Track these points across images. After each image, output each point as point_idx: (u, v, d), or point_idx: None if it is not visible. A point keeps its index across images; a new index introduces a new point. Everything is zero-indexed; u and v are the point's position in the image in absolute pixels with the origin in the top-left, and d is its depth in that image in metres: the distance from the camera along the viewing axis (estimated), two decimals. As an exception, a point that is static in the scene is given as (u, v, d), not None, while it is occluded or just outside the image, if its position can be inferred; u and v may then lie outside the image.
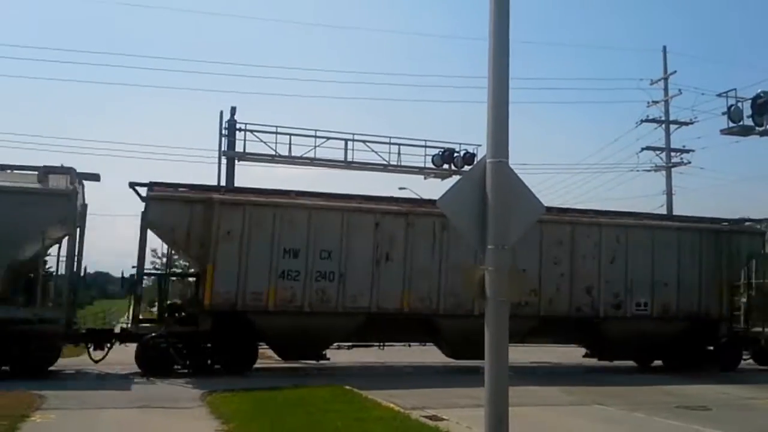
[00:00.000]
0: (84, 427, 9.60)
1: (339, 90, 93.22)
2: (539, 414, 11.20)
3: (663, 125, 33.03)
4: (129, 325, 16.27)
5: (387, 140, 27.68)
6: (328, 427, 9.02)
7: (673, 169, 33.08)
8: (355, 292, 16.27)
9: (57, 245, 15.47)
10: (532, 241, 17.12)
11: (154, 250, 33.24)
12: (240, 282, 15.57)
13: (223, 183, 24.52)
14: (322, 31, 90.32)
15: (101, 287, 47.69)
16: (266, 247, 15.79)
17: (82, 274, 15.69)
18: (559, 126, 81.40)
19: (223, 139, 25.72)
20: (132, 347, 15.85)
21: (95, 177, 16.28)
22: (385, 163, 27.69)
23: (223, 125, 25.72)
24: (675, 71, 33.35)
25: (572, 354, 20.84)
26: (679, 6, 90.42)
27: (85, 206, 16.33)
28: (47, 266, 16.26)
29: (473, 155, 27.24)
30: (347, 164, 27.35)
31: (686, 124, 32.68)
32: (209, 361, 15.90)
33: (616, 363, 19.56)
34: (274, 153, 26.24)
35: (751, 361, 20.49)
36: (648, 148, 33.02)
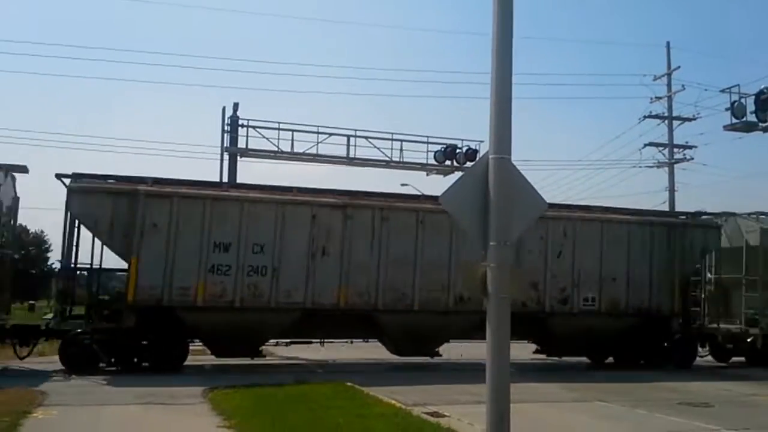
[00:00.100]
0: (86, 423, 9.61)
1: (341, 86, 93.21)
2: (540, 410, 11.20)
3: (666, 121, 33.00)
4: (51, 322, 15.37)
5: (389, 136, 27.71)
6: (330, 424, 9.01)
7: (675, 166, 33.06)
8: (289, 287, 15.78)
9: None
10: None
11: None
12: (166, 277, 15.02)
13: (225, 179, 24.56)
14: (323, 26, 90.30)
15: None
16: (195, 240, 15.26)
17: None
18: (560, 122, 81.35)
19: (225, 135, 25.76)
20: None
21: (23, 169, 16.03)
22: (387, 159, 27.69)
23: (226, 121, 25.74)
24: (678, 67, 33.36)
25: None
26: (681, 1, 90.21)
27: (16, 199, 16.06)
28: None
29: (475, 151, 27.22)
30: (349, 160, 27.35)
31: (689, 120, 32.63)
32: (136, 359, 15.37)
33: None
34: (276, 149, 26.24)
35: (709, 357, 20.34)
36: (651, 144, 33.02)
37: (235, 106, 25.81)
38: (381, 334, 17.46)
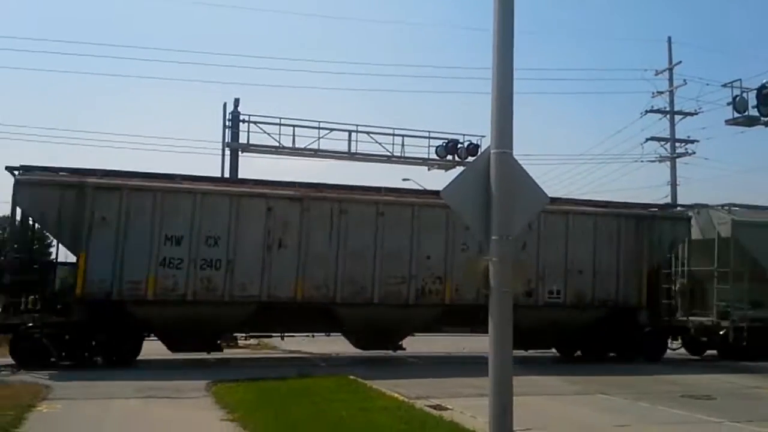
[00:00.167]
0: (90, 416, 9.65)
1: (341, 81, 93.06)
2: (543, 403, 11.23)
3: (668, 116, 32.97)
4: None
5: (390, 131, 27.66)
6: (333, 417, 9.05)
7: (677, 160, 33.05)
8: (244, 281, 15.51)
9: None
10: (438, 226, 16.74)
11: None
12: (116, 270, 14.73)
13: (227, 174, 24.60)
14: (323, 22, 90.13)
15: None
16: (146, 233, 14.97)
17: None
18: (561, 117, 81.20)
19: (226, 130, 25.76)
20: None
21: None
22: (388, 154, 27.68)
23: (227, 117, 25.75)
24: (680, 62, 33.31)
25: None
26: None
27: None
28: None
29: (477, 146, 27.21)
30: (351, 155, 27.35)
31: (691, 114, 32.64)
32: (87, 353, 15.10)
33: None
34: (277, 144, 26.24)
35: (683, 350, 20.24)
36: (653, 138, 33.01)
37: (236, 101, 25.81)
38: (341, 327, 17.18)
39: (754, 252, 19.14)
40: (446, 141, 28.11)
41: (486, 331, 20.16)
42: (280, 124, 26.07)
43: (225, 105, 25.76)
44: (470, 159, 25.45)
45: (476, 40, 70.45)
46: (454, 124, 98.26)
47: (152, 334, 16.13)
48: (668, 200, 30.96)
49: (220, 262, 15.37)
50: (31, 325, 14.80)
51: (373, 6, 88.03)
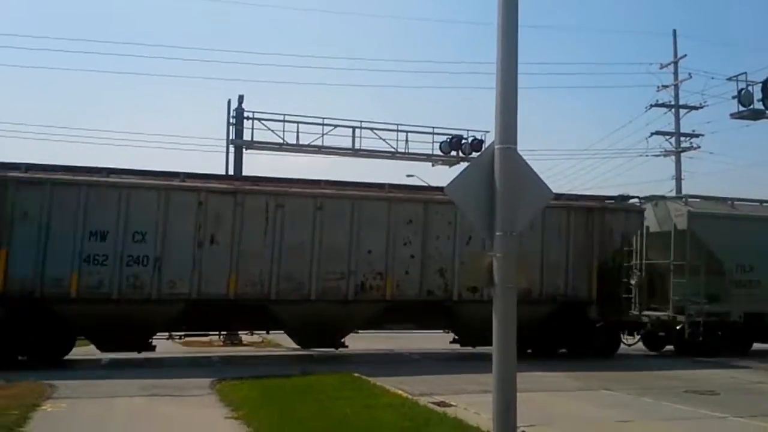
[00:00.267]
0: (95, 415, 9.66)
1: (345, 77, 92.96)
2: (547, 399, 11.23)
3: (672, 110, 32.89)
4: None
5: (395, 128, 27.70)
6: (337, 414, 9.05)
7: (682, 154, 32.99)
8: (173, 278, 14.95)
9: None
10: (379, 220, 16.34)
11: None
12: (38, 267, 14.20)
13: (231, 172, 24.60)
14: (323, 17, 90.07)
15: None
16: (70, 229, 14.42)
17: None
18: (565, 112, 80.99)
19: (230, 127, 25.77)
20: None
21: None
22: (392, 150, 27.69)
23: (231, 114, 25.75)
24: (685, 55, 33.22)
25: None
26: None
27: None
28: None
29: (481, 142, 27.21)
30: (355, 152, 27.37)
31: (696, 108, 32.55)
32: (11, 353, 14.37)
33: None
34: (281, 141, 26.27)
35: (642, 345, 19.98)
36: (657, 132, 32.95)
37: (240, 98, 25.82)
38: (280, 325, 16.78)
39: (711, 245, 18.69)
40: (450, 137, 28.10)
41: (431, 328, 18.62)
42: (284, 121, 26.12)
43: (229, 102, 25.78)
44: (474, 155, 25.45)
45: (480, 34, 70.43)
46: (459, 120, 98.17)
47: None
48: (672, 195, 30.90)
49: (148, 258, 14.84)
50: None
51: (374, 1, 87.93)
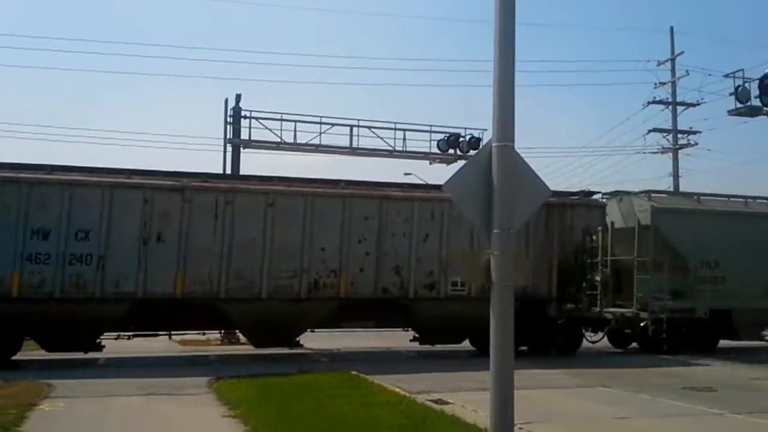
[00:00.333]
0: (92, 414, 9.65)
1: (342, 76, 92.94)
2: (544, 396, 11.22)
3: (670, 107, 32.93)
4: None
5: (392, 126, 27.74)
6: (335, 413, 9.05)
7: (680, 151, 33.07)
8: (117, 276, 14.65)
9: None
10: (333, 217, 16.11)
11: None
12: None
13: (229, 171, 24.59)
14: (320, 15, 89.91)
15: None
16: (10, 227, 14.14)
17: None
18: (563, 109, 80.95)
19: (228, 126, 25.76)
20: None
21: None
22: (390, 148, 27.71)
23: (228, 113, 25.74)
24: (682, 52, 33.25)
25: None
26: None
27: None
28: None
29: (479, 140, 27.20)
30: (352, 150, 27.37)
31: (693, 105, 32.62)
32: None
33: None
34: (279, 140, 26.25)
35: (608, 342, 19.74)
36: (655, 130, 33.05)
37: (238, 97, 25.80)
38: (230, 324, 16.52)
39: (675, 240, 18.49)
40: (448, 135, 28.12)
41: (389, 326, 18.00)
42: (281, 120, 26.11)
43: (226, 101, 25.78)
44: (472, 152, 25.46)
45: (477, 32, 70.33)
46: (456, 118, 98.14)
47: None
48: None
49: (91, 257, 14.54)
50: None
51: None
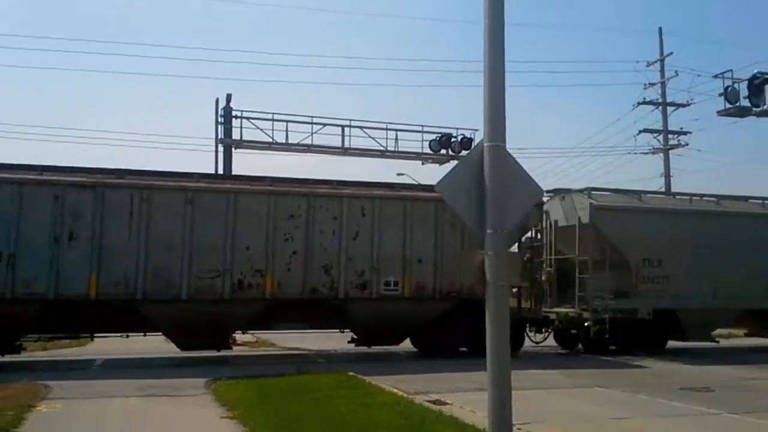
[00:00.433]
0: (90, 415, 9.65)
1: (334, 76, 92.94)
2: (542, 397, 11.27)
3: (660, 107, 33.08)
4: None
5: (384, 126, 27.84)
6: (333, 413, 9.08)
7: (670, 152, 33.22)
8: (28, 277, 14.05)
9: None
10: (258, 214, 15.59)
11: None
12: None
13: (221, 171, 24.60)
14: (313, 15, 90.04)
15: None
16: None
17: None
18: (554, 110, 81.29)
19: (219, 126, 25.76)
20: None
21: None
22: (382, 149, 27.79)
23: (219, 113, 25.74)
24: (671, 53, 33.48)
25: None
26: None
27: None
28: None
29: (470, 140, 27.35)
30: (344, 151, 27.43)
31: (683, 106, 32.79)
32: None
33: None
34: (271, 140, 26.28)
35: (554, 342, 19.49)
36: (646, 130, 33.20)
37: (228, 97, 25.85)
38: (150, 326, 15.77)
39: (614, 239, 18.00)
40: (440, 135, 28.22)
41: (324, 327, 17.25)
42: (273, 120, 26.17)
43: (217, 101, 25.82)
44: (464, 153, 25.54)
45: (470, 33, 70.48)
46: (449, 119, 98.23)
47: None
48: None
49: (1, 255, 13.97)
50: None
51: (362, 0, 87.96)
